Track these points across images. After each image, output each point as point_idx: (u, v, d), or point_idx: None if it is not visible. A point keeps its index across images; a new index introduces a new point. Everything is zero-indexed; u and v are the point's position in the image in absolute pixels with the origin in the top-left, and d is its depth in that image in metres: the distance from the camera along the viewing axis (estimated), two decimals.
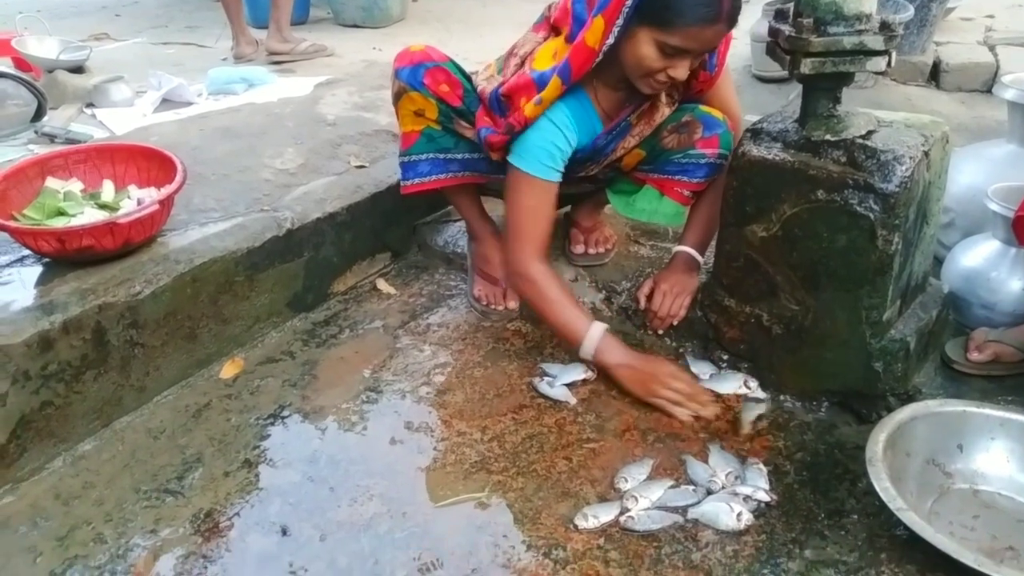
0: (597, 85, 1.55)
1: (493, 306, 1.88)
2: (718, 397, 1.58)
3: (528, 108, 1.49)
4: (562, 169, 1.56)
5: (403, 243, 2.15)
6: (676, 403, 1.53)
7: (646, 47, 1.39)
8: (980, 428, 1.33)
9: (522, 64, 1.57)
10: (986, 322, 1.61)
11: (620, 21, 1.39)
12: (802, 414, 1.54)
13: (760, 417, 1.54)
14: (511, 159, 1.56)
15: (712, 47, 1.45)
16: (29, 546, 1.28)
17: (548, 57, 1.53)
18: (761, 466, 1.38)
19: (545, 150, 1.52)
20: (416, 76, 1.65)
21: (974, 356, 1.53)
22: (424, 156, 1.74)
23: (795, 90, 3.15)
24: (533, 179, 1.54)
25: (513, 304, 1.88)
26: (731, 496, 1.32)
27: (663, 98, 1.59)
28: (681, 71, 1.42)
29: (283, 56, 3.40)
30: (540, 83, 1.49)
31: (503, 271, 1.68)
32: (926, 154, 1.41)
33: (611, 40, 1.41)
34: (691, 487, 1.36)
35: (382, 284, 2.04)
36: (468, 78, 1.69)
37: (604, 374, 1.61)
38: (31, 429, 1.41)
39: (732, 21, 1.38)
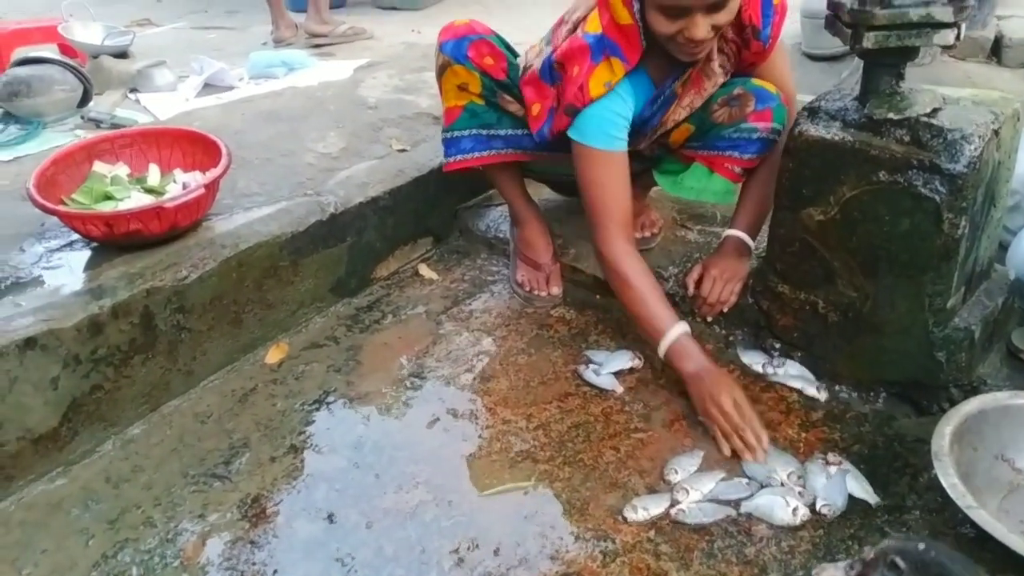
0: (648, 55, 1.49)
1: (536, 292, 1.85)
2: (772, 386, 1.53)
3: (595, 88, 1.44)
4: (627, 136, 1.51)
5: (445, 228, 2.13)
6: (725, 433, 1.39)
7: (652, 14, 1.36)
8: None
9: (574, 29, 1.51)
10: None
11: None
12: (858, 405, 1.49)
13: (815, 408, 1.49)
14: (573, 135, 1.51)
15: None
16: (81, 528, 1.30)
17: (599, 22, 1.47)
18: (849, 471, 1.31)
19: (609, 120, 1.48)
20: (460, 49, 1.63)
21: None
22: (467, 132, 1.72)
23: (847, 68, 3.05)
24: (601, 152, 1.50)
25: (556, 290, 1.85)
26: (786, 490, 1.28)
27: (715, 67, 1.52)
28: (697, 29, 1.33)
29: (322, 38, 3.39)
30: (595, 47, 1.44)
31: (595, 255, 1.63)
32: (996, 132, 1.34)
33: (637, 6, 1.38)
34: (744, 480, 1.32)
35: (424, 269, 2.02)
36: (513, 52, 1.67)
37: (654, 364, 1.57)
38: (82, 412, 1.43)
39: None
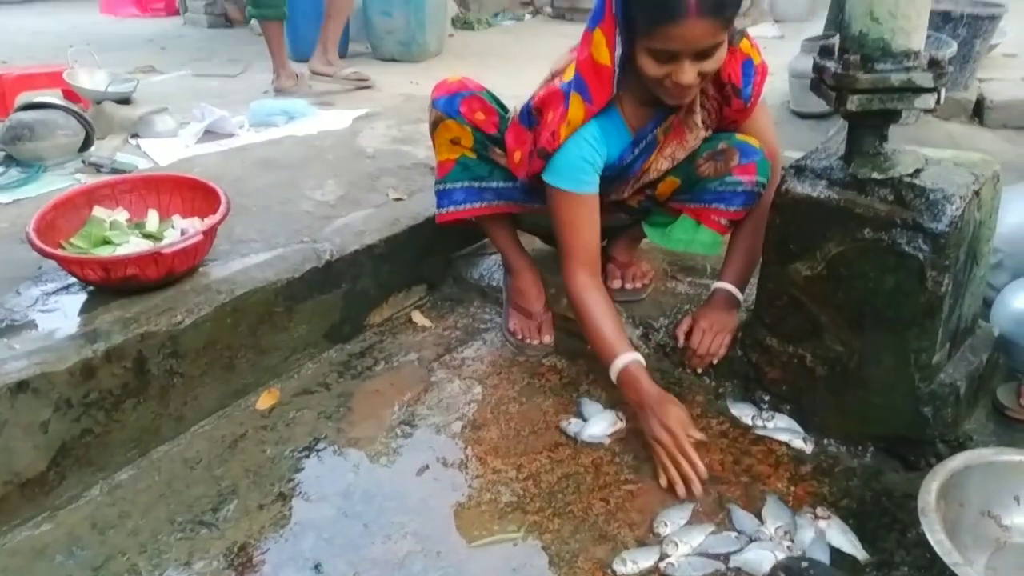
0: (625, 100, 1.54)
1: (528, 340, 1.87)
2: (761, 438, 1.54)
3: (563, 131, 1.50)
4: (596, 180, 1.57)
5: (439, 275, 2.15)
6: (664, 464, 1.43)
7: (642, 56, 1.39)
8: None
9: (553, 79, 1.58)
10: None
11: (617, 33, 1.41)
12: (847, 459, 1.50)
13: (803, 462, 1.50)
14: (546, 177, 1.57)
15: (702, 44, 1.33)
16: None
17: (573, 70, 1.52)
18: (838, 526, 1.31)
19: (577, 166, 1.53)
20: (452, 104, 1.69)
21: None
22: (459, 184, 1.76)
23: (834, 126, 3.12)
24: (570, 194, 1.56)
25: (548, 339, 1.87)
26: (774, 544, 1.28)
27: (697, 120, 1.57)
28: (684, 75, 1.36)
29: (325, 78, 3.45)
30: (566, 93, 1.50)
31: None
32: (976, 193, 1.38)
33: (619, 51, 1.42)
34: (733, 534, 1.32)
35: (417, 316, 2.03)
36: (504, 107, 1.73)
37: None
38: (70, 457, 1.42)
39: (710, 11, 1.29)
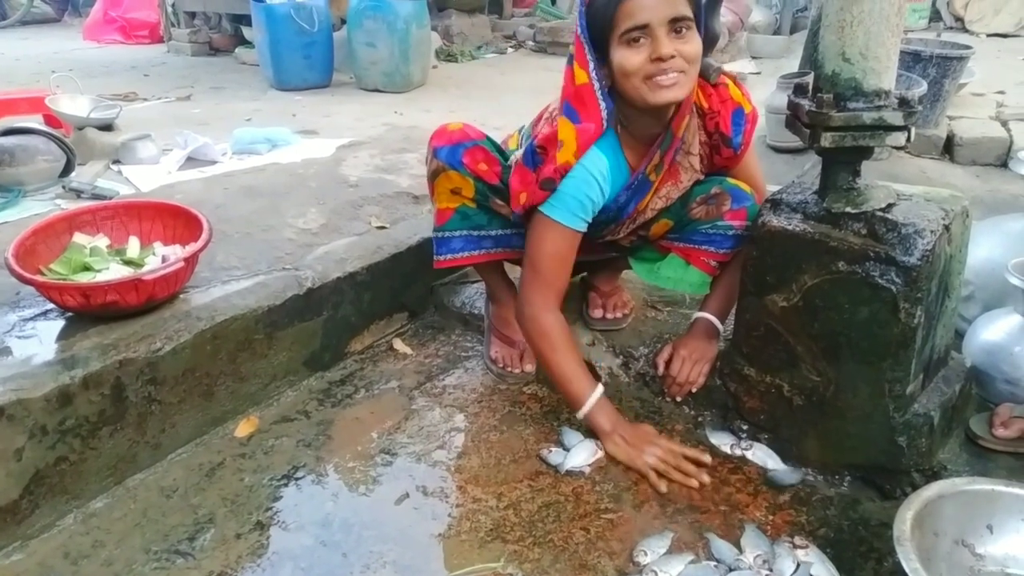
0: (624, 136, 1.55)
1: (509, 369, 1.87)
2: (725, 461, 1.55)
3: (560, 156, 1.49)
4: (589, 220, 1.57)
5: (420, 303, 2.16)
6: (661, 472, 1.53)
7: (619, 54, 1.41)
8: (1010, 508, 1.30)
9: (553, 120, 1.58)
10: (1010, 397, 1.58)
11: (587, 51, 1.44)
12: (824, 488, 1.51)
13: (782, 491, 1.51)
14: (543, 208, 1.55)
15: (669, 9, 1.36)
16: None
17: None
18: (815, 555, 1.32)
19: (577, 200, 1.53)
20: (455, 155, 1.68)
21: (1000, 432, 1.50)
22: (458, 233, 1.76)
23: (810, 160, 3.19)
24: (560, 227, 1.55)
25: (530, 367, 1.87)
26: (753, 573, 1.29)
27: (694, 162, 1.60)
28: (662, 46, 1.37)
29: None
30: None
31: (515, 312, 1.70)
32: (947, 228, 1.42)
33: (592, 65, 1.44)
34: (712, 563, 1.32)
35: (399, 344, 2.04)
36: (504, 155, 1.72)
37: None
38: (44, 485, 1.40)
39: None
